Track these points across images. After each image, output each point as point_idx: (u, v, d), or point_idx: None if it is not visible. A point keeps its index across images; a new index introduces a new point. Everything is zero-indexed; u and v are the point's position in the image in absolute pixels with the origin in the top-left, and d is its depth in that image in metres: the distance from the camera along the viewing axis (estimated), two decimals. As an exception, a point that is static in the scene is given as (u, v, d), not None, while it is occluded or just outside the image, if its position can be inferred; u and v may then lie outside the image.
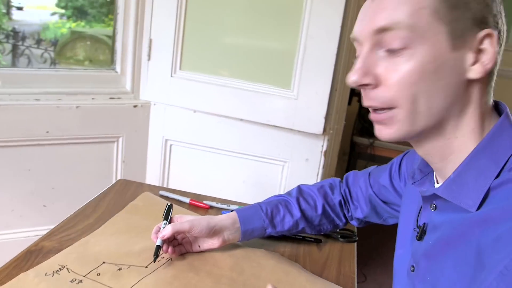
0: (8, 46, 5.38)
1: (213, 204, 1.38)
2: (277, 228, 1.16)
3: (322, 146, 1.99)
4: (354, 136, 2.61)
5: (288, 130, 1.97)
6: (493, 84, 0.74)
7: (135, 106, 2.05)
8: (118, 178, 2.10)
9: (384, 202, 1.15)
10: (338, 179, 1.28)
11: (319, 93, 1.88)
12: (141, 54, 2.03)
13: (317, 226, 1.21)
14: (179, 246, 1.09)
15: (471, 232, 0.68)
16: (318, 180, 2.01)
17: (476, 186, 0.70)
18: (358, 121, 2.75)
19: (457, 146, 0.74)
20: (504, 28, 0.72)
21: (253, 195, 2.06)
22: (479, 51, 0.70)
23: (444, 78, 0.69)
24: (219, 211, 1.35)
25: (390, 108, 0.71)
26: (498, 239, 0.63)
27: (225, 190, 2.08)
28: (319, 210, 1.19)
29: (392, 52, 0.70)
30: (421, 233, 0.82)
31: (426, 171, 0.86)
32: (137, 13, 1.99)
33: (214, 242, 1.09)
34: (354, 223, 1.24)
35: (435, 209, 0.79)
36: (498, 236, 0.63)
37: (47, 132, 1.89)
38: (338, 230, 1.31)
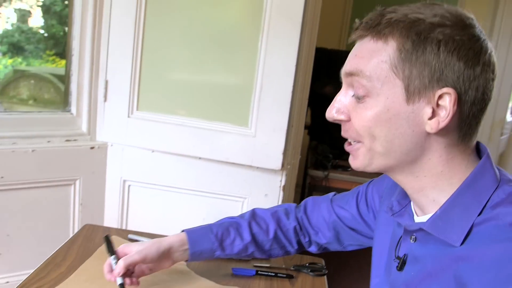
0: None
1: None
2: (226, 251, 1.18)
3: (281, 181, 2.03)
4: (308, 169, 2.68)
5: (247, 167, 2.00)
6: (471, 131, 0.79)
7: (92, 148, 2.03)
8: (76, 221, 2.06)
9: (351, 228, 1.17)
10: (293, 204, 1.30)
11: (276, 130, 1.93)
12: (97, 95, 2.03)
13: (267, 251, 1.23)
14: (134, 274, 1.10)
15: (455, 266, 0.74)
16: (278, 215, 2.04)
17: (460, 223, 0.75)
18: (312, 155, 2.83)
19: (428, 183, 0.80)
20: (472, 90, 0.75)
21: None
22: (438, 106, 0.75)
23: (400, 127, 0.76)
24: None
25: (358, 141, 0.82)
26: (486, 282, 0.69)
27: (184, 227, 2.08)
28: (271, 235, 1.21)
29: (356, 97, 0.79)
30: (402, 264, 0.87)
31: (404, 203, 0.92)
32: (93, 55, 1.99)
33: (164, 265, 1.13)
34: (312, 249, 1.25)
35: (415, 241, 0.84)
36: (485, 280, 0.69)
37: (2, 177, 1.84)
38: (307, 264, 1.35)
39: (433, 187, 0.80)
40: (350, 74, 0.79)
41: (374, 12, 0.79)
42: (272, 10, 1.85)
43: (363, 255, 1.40)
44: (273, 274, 1.28)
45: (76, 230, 2.06)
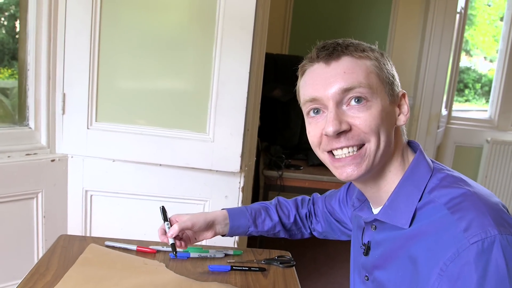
0: None
1: (159, 248, 1.46)
2: (258, 228, 1.39)
3: (240, 182, 2.13)
4: (264, 170, 2.78)
5: (207, 170, 2.08)
6: (405, 130, 1.02)
7: (52, 161, 2.06)
8: (40, 234, 2.08)
9: (337, 220, 1.40)
10: (307, 197, 1.51)
11: (233, 134, 2.02)
12: (55, 108, 2.05)
13: (289, 231, 1.46)
14: (182, 240, 1.30)
15: (407, 245, 0.91)
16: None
17: (406, 208, 0.93)
18: (264, 156, 2.93)
19: (389, 178, 0.98)
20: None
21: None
22: (399, 106, 0.98)
23: (389, 123, 0.94)
24: (166, 254, 1.43)
25: (362, 145, 0.93)
26: (428, 249, 0.86)
27: (149, 233, 2.14)
28: (291, 219, 1.44)
29: (357, 103, 0.91)
30: (367, 250, 1.05)
31: (362, 199, 1.10)
32: (49, 68, 2.02)
33: (207, 235, 1.34)
34: (316, 234, 1.48)
35: (375, 229, 1.02)
36: (428, 248, 0.86)
37: (-37, 194, 1.85)
38: (276, 257, 1.46)
39: (393, 181, 0.98)
40: (348, 89, 0.91)
41: (332, 41, 0.96)
42: (224, 19, 1.94)
43: (329, 248, 1.59)
44: (247, 268, 1.37)
45: (40, 243, 2.08)
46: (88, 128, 2.06)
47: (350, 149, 0.93)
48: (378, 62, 0.95)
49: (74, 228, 2.15)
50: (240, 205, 2.15)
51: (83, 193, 2.13)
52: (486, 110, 4.69)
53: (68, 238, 1.49)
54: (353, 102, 0.92)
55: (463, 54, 4.74)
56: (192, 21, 2.06)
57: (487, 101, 4.76)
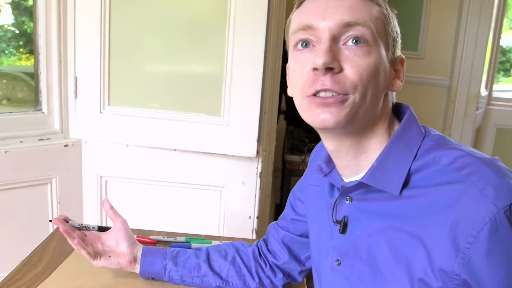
0: None
1: (160, 238, 1.40)
2: (178, 266, 1.15)
3: (257, 168, 2.05)
4: (285, 155, 2.69)
5: (222, 155, 2.01)
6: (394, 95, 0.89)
7: (65, 146, 2.02)
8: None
9: (299, 235, 1.15)
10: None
11: (249, 117, 1.94)
12: (67, 93, 2.02)
13: (225, 279, 1.16)
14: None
15: (404, 218, 0.78)
16: (256, 201, 2.06)
17: (397, 171, 0.80)
18: (287, 140, 2.84)
19: (371, 146, 0.84)
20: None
21: (194, 222, 2.09)
22: (396, 71, 0.84)
23: (382, 81, 0.81)
24: (167, 244, 1.37)
25: (344, 94, 0.77)
26: (440, 222, 0.73)
27: (165, 220, 2.10)
28: (229, 258, 1.18)
29: (354, 44, 0.77)
30: (343, 226, 0.89)
31: (331, 165, 0.93)
32: (60, 52, 1.98)
33: (123, 257, 1.14)
34: (278, 278, 1.18)
35: (351, 201, 0.87)
36: (438, 220, 0.73)
37: (-24, 180, 1.84)
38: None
39: (376, 149, 0.84)
40: (350, 25, 0.77)
41: None
42: (237, -2, 1.85)
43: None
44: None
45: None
46: (101, 113, 2.01)
47: (335, 94, 0.77)
48: (387, 11, 0.82)
49: (90, 214, 2.13)
50: (258, 191, 2.07)
51: (98, 178, 2.10)
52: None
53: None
54: (350, 43, 0.78)
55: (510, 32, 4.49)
56: (201, 2, 1.97)
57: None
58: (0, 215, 1.93)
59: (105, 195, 2.12)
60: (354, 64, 0.77)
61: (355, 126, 0.81)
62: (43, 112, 2.03)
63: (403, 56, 0.87)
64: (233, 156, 2.01)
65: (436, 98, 3.89)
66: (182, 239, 1.39)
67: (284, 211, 1.19)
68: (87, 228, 1.16)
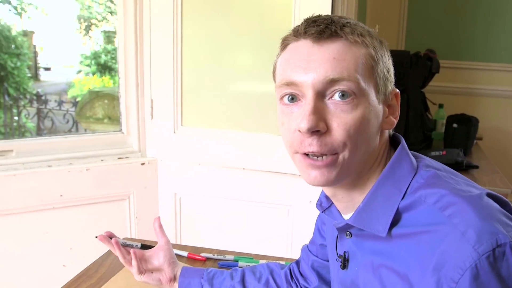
0: (33, 110, 5.62)
1: (210, 255, 1.44)
2: (214, 287, 1.17)
3: (324, 187, 2.04)
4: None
5: (289, 175, 2.04)
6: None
7: (142, 164, 2.15)
8: (133, 234, 2.19)
9: (327, 261, 1.12)
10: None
11: (314, 137, 1.95)
12: (144, 114, 2.15)
13: None
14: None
15: (393, 257, 0.76)
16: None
17: (384, 211, 0.78)
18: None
19: (369, 184, 0.82)
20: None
21: (261, 241, 2.12)
22: (390, 107, 0.81)
23: (373, 127, 0.78)
24: (215, 262, 1.42)
25: (333, 154, 0.75)
26: (423, 264, 0.71)
27: (233, 237, 2.15)
28: (262, 281, 1.18)
29: (341, 98, 0.74)
30: (344, 262, 0.88)
31: (330, 200, 0.91)
32: (137, 76, 2.12)
33: (164, 274, 1.19)
34: None
35: (350, 237, 0.86)
36: (422, 262, 0.71)
37: (61, 195, 2.00)
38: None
39: (368, 186, 0.82)
40: (334, 81, 0.74)
41: (326, 16, 0.79)
42: (300, 17, 1.87)
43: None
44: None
45: (133, 242, 2.19)
46: (174, 133, 2.12)
47: (324, 157, 0.75)
48: (375, 51, 0.77)
49: (165, 228, 2.22)
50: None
51: (173, 195, 2.20)
52: None
53: (127, 242, 1.54)
54: (337, 97, 0.74)
55: None
56: (269, 21, 2.02)
57: None
58: (83, 228, 2.08)
59: (179, 211, 2.22)
60: (341, 122, 0.74)
61: (348, 178, 0.80)
62: (122, 133, 2.18)
63: (397, 90, 0.83)
64: (299, 175, 2.02)
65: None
66: (231, 257, 1.43)
67: (313, 235, 1.19)
68: (131, 246, 1.23)
